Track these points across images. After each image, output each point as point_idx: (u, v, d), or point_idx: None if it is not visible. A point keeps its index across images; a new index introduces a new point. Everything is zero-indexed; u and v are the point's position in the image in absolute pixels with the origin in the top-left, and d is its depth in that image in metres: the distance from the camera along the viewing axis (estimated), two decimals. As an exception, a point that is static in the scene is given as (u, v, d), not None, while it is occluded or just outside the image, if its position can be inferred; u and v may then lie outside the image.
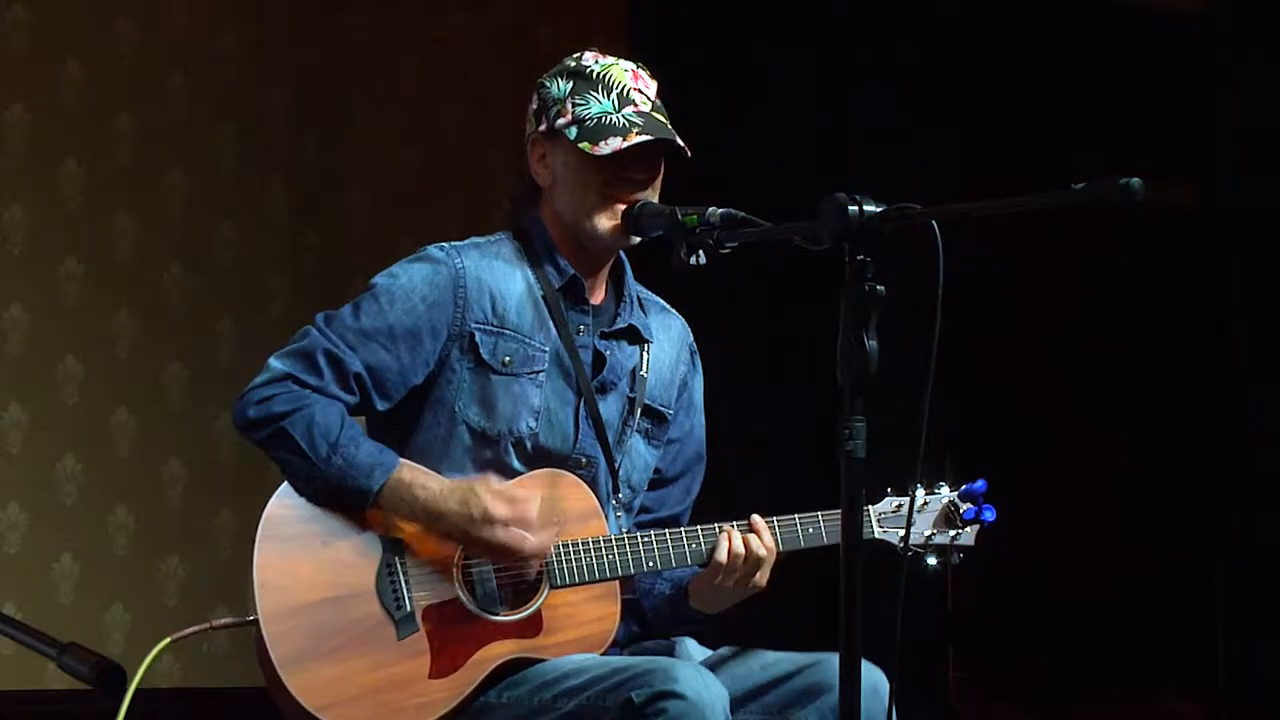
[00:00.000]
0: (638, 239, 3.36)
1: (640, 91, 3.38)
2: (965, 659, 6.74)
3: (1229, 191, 6.67)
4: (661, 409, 3.49)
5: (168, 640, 3.26)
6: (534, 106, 3.42)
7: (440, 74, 6.87)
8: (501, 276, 3.37)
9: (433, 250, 3.37)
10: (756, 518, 3.36)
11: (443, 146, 6.86)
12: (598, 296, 3.44)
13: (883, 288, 2.75)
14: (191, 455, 6.40)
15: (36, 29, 6.18)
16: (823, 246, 2.85)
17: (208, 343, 6.47)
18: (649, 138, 3.32)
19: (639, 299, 3.49)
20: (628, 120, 3.33)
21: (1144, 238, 6.79)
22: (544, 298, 3.37)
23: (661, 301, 3.56)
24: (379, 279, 3.35)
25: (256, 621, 3.17)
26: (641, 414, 3.46)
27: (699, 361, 3.58)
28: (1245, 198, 6.58)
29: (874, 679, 3.12)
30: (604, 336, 3.42)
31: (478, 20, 6.96)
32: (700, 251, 3.18)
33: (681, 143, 3.34)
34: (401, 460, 3.26)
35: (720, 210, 3.18)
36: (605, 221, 3.35)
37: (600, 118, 3.34)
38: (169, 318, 6.41)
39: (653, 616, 3.46)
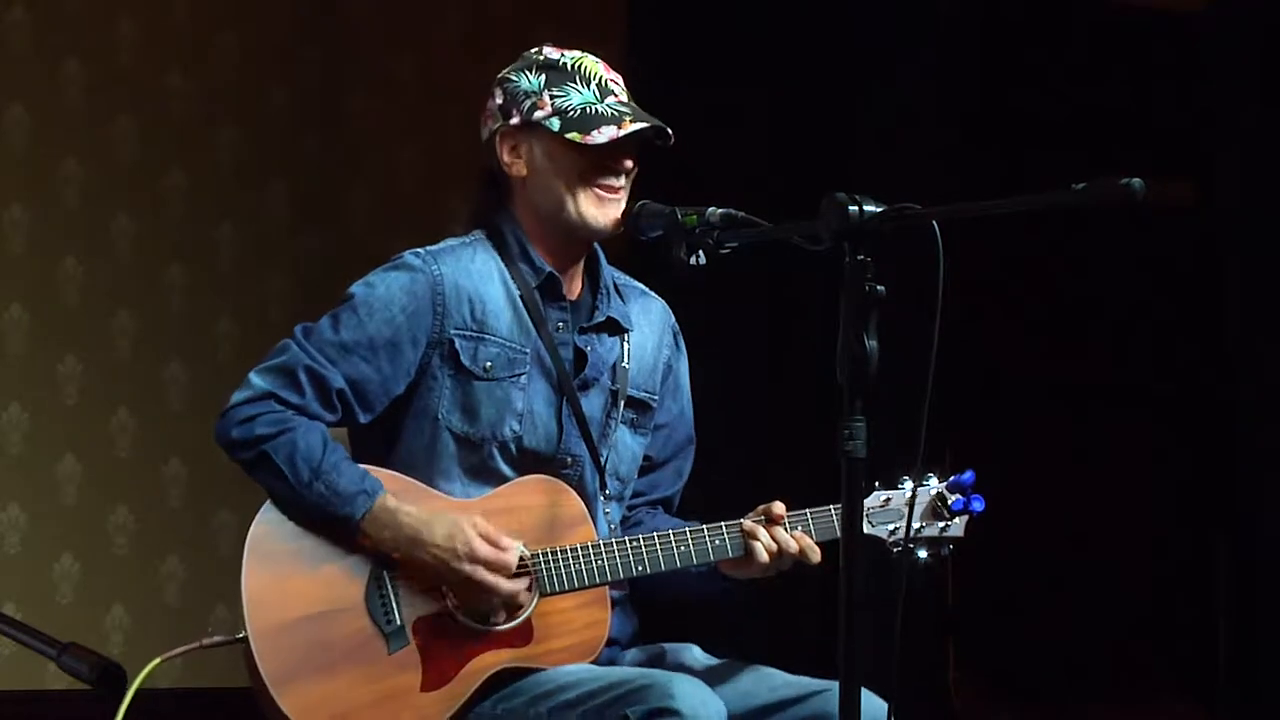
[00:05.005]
0: (622, 227, 3.35)
1: (615, 82, 3.39)
2: (965, 659, 6.74)
3: (1229, 191, 6.67)
4: (645, 396, 3.48)
5: (158, 660, 3.24)
6: (498, 101, 3.41)
7: (440, 74, 6.87)
8: (479, 279, 3.35)
9: (409, 257, 3.35)
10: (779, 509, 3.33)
11: (443, 146, 6.85)
12: (574, 291, 3.42)
13: (883, 288, 2.75)
14: (191, 455, 6.39)
15: (36, 29, 6.18)
16: (822, 246, 2.85)
17: (208, 343, 6.46)
18: (645, 125, 3.32)
19: (616, 286, 3.48)
20: (615, 110, 3.34)
21: (1144, 237, 6.78)
22: (521, 297, 3.36)
23: (640, 285, 3.54)
24: (356, 288, 3.32)
25: (247, 639, 3.16)
26: (625, 405, 3.44)
27: (682, 343, 3.56)
28: (1245, 198, 6.58)
29: (876, 713, 3.03)
30: (583, 331, 3.40)
31: (477, 20, 6.95)
32: (700, 251, 3.17)
33: (670, 131, 3.33)
34: (385, 487, 3.23)
35: (720, 210, 3.18)
36: (589, 207, 3.34)
37: (584, 108, 3.33)
38: (169, 318, 6.41)
39: (677, 594, 3.43)
